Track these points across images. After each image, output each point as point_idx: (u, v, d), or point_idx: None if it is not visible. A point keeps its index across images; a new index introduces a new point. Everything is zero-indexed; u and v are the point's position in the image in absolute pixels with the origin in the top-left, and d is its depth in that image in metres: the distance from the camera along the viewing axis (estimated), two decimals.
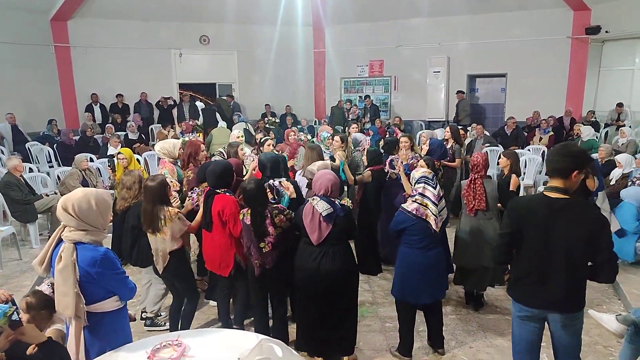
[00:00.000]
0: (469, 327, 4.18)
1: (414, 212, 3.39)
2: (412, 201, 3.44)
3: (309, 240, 3.32)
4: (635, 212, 5.13)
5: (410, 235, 3.44)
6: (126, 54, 12.63)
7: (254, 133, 11.07)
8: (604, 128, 10.45)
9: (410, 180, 3.60)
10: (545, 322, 2.62)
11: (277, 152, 5.18)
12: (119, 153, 5.73)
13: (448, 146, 6.60)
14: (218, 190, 3.66)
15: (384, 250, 5.31)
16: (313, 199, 3.35)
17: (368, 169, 5.12)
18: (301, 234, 3.42)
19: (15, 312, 3.10)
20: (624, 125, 9.67)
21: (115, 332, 2.43)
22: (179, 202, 4.07)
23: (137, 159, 8.69)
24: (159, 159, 5.52)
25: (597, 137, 9.55)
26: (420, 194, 3.42)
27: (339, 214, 3.32)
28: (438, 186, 3.51)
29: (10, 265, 5.57)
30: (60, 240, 2.34)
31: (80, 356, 2.32)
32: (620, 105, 10.37)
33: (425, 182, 3.44)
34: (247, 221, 3.40)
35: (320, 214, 3.25)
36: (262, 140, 5.39)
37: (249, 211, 3.42)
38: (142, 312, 4.37)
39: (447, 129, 7.02)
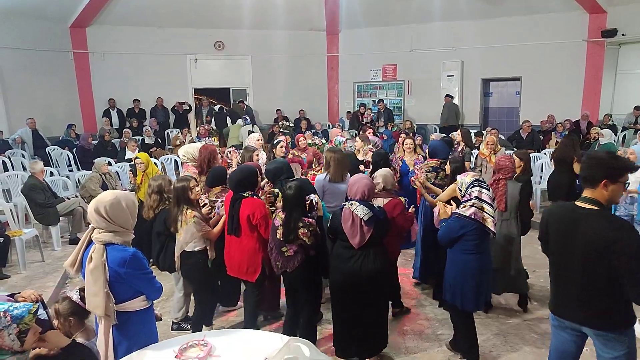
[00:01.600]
0: (488, 332, 4.16)
1: (473, 217, 3.29)
2: (470, 205, 3.33)
3: (347, 244, 3.35)
4: None
5: (468, 240, 3.34)
6: (143, 60, 12.85)
7: (258, 134, 11.26)
8: (622, 131, 10.33)
9: (460, 186, 3.48)
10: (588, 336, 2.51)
11: (282, 156, 5.24)
12: (136, 158, 5.83)
13: (459, 149, 6.62)
14: (245, 194, 3.66)
15: None
16: (351, 203, 3.38)
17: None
18: (336, 238, 3.44)
19: (44, 312, 3.18)
20: None
21: (143, 330, 2.50)
22: (210, 207, 4.02)
23: (155, 163, 8.84)
24: (182, 163, 5.60)
25: (614, 141, 9.43)
26: (477, 197, 3.33)
27: (380, 217, 3.37)
28: (490, 188, 3.48)
29: (34, 267, 5.69)
30: (90, 242, 2.41)
31: (109, 354, 2.39)
32: (637, 108, 10.26)
33: (479, 185, 3.37)
34: (277, 223, 3.43)
35: (362, 218, 3.29)
36: (275, 142, 5.38)
37: (280, 214, 3.45)
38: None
39: (458, 132, 7.03)
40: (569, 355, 2.61)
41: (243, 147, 6.05)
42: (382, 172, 4.16)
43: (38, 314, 3.20)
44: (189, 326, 4.18)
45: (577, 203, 2.45)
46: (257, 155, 5.12)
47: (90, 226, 2.43)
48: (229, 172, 4.77)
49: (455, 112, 12.57)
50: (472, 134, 9.25)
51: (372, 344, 3.57)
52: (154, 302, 4.37)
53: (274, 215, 3.55)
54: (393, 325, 4.25)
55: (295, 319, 3.66)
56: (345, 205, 3.45)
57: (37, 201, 6.20)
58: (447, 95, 12.60)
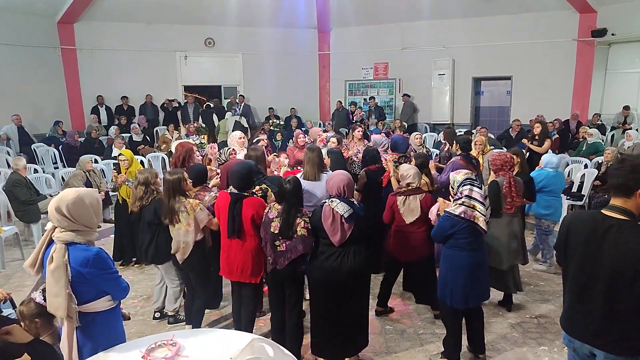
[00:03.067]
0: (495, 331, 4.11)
1: (462, 216, 3.28)
2: (459, 204, 3.31)
3: (328, 241, 3.31)
4: None
5: (459, 238, 3.33)
6: (132, 57, 12.71)
7: (246, 125, 11.28)
8: (610, 131, 10.36)
9: (452, 184, 3.47)
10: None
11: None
12: (120, 154, 5.78)
13: (445, 149, 6.63)
14: (245, 194, 3.56)
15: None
16: (331, 201, 3.33)
17: (363, 169, 5.11)
18: (317, 236, 3.39)
19: (13, 311, 3.12)
20: (630, 129, 9.58)
21: (109, 331, 2.43)
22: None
23: (141, 161, 8.76)
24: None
25: (603, 140, 9.47)
26: (467, 196, 3.31)
27: (360, 213, 3.32)
28: (483, 185, 3.44)
29: (13, 265, 5.61)
30: (51, 241, 2.33)
31: (73, 356, 2.32)
32: (626, 108, 10.28)
33: (470, 184, 3.34)
34: (271, 215, 3.39)
35: (342, 215, 3.24)
36: (255, 141, 5.26)
37: (276, 206, 3.41)
38: (155, 312, 4.40)
39: (443, 132, 7.04)
40: None
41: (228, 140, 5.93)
42: (412, 170, 4.15)
43: (8, 313, 3.14)
44: (183, 316, 4.18)
45: (605, 212, 2.17)
46: (235, 154, 5.03)
47: (50, 224, 2.34)
48: (209, 169, 4.72)
49: (414, 110, 13.14)
50: (463, 133, 9.26)
51: (351, 344, 3.52)
52: (133, 301, 4.35)
53: (268, 207, 3.50)
54: (374, 324, 4.21)
55: (282, 320, 3.60)
56: (325, 202, 3.39)
57: (19, 198, 6.12)
58: (404, 95, 13.14)
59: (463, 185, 3.36)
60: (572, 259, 2.28)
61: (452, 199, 3.49)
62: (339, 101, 13.56)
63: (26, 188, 6.21)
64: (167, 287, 4.31)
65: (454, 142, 5.80)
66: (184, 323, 4.14)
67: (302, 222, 3.34)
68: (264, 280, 3.81)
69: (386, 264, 4.51)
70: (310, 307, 3.61)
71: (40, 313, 2.54)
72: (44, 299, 2.44)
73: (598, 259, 2.13)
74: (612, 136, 10.09)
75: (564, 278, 2.40)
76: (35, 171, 8.21)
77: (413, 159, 4.96)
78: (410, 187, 4.08)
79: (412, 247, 4.09)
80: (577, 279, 2.26)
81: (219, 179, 4.56)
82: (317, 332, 3.53)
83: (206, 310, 4.23)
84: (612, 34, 10.80)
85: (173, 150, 5.26)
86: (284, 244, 3.34)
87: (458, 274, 3.37)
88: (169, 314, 4.32)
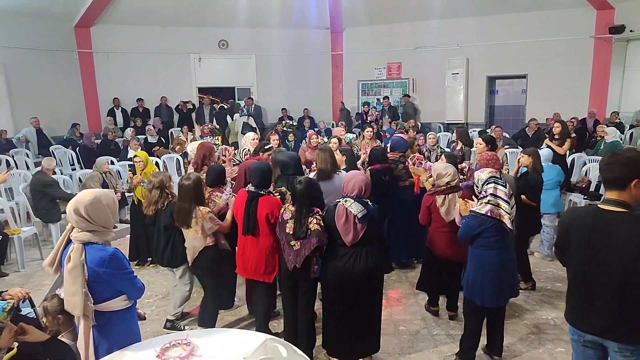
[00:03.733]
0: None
1: (489, 214, 3.27)
2: (485, 203, 3.31)
3: (341, 241, 3.30)
4: None
5: (487, 237, 3.31)
6: (147, 59, 12.89)
7: (254, 125, 11.45)
8: (629, 129, 10.16)
9: (476, 182, 3.47)
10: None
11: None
12: (135, 156, 5.86)
13: (458, 148, 6.57)
14: (261, 192, 3.62)
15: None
16: (345, 200, 3.33)
17: (367, 168, 5.12)
18: (330, 236, 3.39)
19: (32, 310, 3.18)
20: None
21: (124, 330, 2.46)
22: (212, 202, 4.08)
23: (156, 162, 8.85)
24: (189, 161, 5.63)
25: (621, 139, 9.28)
26: (492, 194, 3.31)
27: (373, 214, 3.31)
28: (507, 184, 3.42)
29: (32, 265, 5.72)
30: (69, 241, 2.38)
31: (89, 354, 2.36)
32: None
33: (495, 182, 3.33)
34: (286, 216, 3.42)
35: (355, 215, 3.24)
36: (266, 148, 5.10)
37: (290, 207, 3.44)
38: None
39: (455, 131, 6.99)
40: None
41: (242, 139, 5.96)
42: (450, 168, 4.16)
43: (26, 312, 3.20)
44: (183, 327, 4.15)
45: (602, 206, 2.25)
46: (250, 155, 5.04)
47: (69, 225, 2.39)
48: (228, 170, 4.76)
49: (415, 110, 13.15)
50: (476, 132, 9.17)
51: (364, 344, 3.51)
52: (149, 301, 4.39)
53: (283, 208, 3.53)
54: (388, 325, 4.19)
55: (295, 321, 3.60)
56: (339, 201, 3.38)
57: (56, 197, 6.36)
58: (405, 95, 13.32)
59: (488, 184, 3.35)
60: (577, 255, 2.32)
61: (475, 198, 3.47)
62: (342, 102, 13.59)
63: (59, 186, 6.55)
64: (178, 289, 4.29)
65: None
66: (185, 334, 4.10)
67: (315, 219, 3.35)
68: (277, 279, 3.83)
69: (427, 264, 4.50)
70: (323, 308, 3.60)
71: (63, 309, 2.59)
72: None
73: (604, 253, 2.18)
74: (632, 134, 9.89)
75: (569, 274, 2.42)
76: (54, 173, 8.34)
77: (443, 158, 5.02)
78: (449, 186, 4.08)
79: (455, 246, 4.01)
80: (584, 275, 2.29)
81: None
82: (331, 332, 3.52)
83: (221, 310, 4.26)
84: (631, 31, 10.60)
85: (188, 151, 5.31)
86: (298, 243, 3.35)
87: (488, 274, 3.34)
88: (169, 317, 4.22)
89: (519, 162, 4.91)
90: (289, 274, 3.50)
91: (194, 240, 3.77)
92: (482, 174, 3.43)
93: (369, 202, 3.38)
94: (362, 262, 3.28)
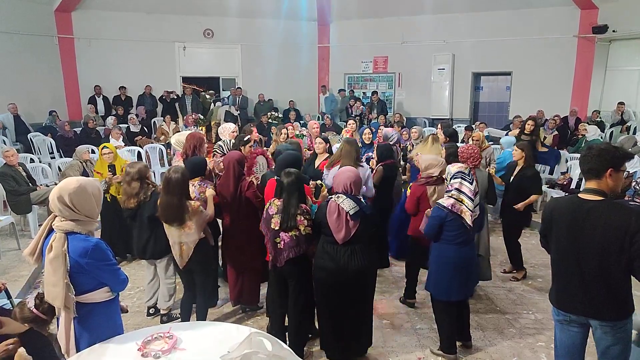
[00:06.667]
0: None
1: (450, 208, 3.32)
2: (449, 196, 3.36)
3: (332, 239, 3.25)
4: None
5: (447, 231, 3.37)
6: (130, 47, 12.62)
7: (235, 113, 11.68)
8: (609, 128, 10.35)
9: (446, 176, 3.52)
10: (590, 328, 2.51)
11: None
12: (103, 147, 5.40)
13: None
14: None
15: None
16: (338, 197, 3.28)
17: (379, 164, 5.10)
18: (320, 234, 3.34)
19: (7, 302, 3.09)
20: (629, 127, 9.59)
21: (106, 323, 2.40)
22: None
23: (139, 152, 8.71)
24: (175, 151, 5.47)
25: (602, 137, 9.45)
26: (456, 189, 3.34)
27: (366, 211, 3.27)
28: (474, 181, 3.44)
29: (9, 255, 5.58)
30: (51, 230, 2.30)
31: (70, 347, 2.30)
32: (621, 104, 10.28)
33: (461, 178, 3.36)
34: (271, 211, 3.36)
35: (347, 212, 3.19)
36: (245, 140, 4.78)
37: (276, 201, 3.37)
38: (149, 309, 4.34)
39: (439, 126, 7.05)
40: (577, 348, 2.58)
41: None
42: (440, 159, 4.20)
43: (3, 304, 3.11)
44: (177, 314, 4.14)
45: (582, 195, 2.44)
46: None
47: (52, 213, 2.31)
48: (211, 162, 4.64)
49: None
50: (462, 128, 9.24)
51: (358, 343, 3.51)
52: (130, 293, 4.30)
53: (268, 203, 3.45)
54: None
55: (283, 320, 3.58)
56: (331, 198, 3.33)
57: (6, 189, 6.04)
58: (373, 93, 13.21)
59: (454, 178, 3.39)
60: (559, 241, 2.51)
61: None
62: (323, 86, 13.75)
63: (14, 180, 6.07)
64: (159, 283, 4.21)
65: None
66: (179, 320, 4.03)
67: (305, 220, 3.29)
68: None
69: (412, 255, 4.52)
70: (318, 307, 3.55)
71: (33, 320, 2.52)
72: (35, 306, 2.42)
73: (584, 237, 2.37)
74: (611, 133, 10.09)
75: (552, 260, 2.60)
76: (32, 161, 8.14)
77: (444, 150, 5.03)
78: (442, 177, 4.08)
79: None
80: (567, 259, 2.47)
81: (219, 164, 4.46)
82: (327, 332, 3.48)
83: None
84: (613, 31, 10.78)
85: (172, 142, 5.17)
86: (282, 242, 3.31)
87: (450, 268, 3.40)
88: (162, 312, 4.20)
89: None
90: (277, 271, 3.46)
91: (186, 236, 3.56)
92: (452, 168, 3.48)
93: (362, 199, 3.34)
94: (356, 260, 3.24)
